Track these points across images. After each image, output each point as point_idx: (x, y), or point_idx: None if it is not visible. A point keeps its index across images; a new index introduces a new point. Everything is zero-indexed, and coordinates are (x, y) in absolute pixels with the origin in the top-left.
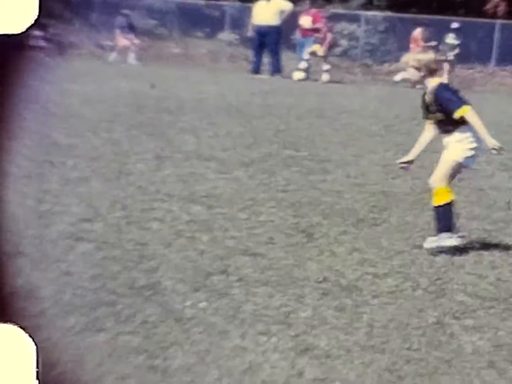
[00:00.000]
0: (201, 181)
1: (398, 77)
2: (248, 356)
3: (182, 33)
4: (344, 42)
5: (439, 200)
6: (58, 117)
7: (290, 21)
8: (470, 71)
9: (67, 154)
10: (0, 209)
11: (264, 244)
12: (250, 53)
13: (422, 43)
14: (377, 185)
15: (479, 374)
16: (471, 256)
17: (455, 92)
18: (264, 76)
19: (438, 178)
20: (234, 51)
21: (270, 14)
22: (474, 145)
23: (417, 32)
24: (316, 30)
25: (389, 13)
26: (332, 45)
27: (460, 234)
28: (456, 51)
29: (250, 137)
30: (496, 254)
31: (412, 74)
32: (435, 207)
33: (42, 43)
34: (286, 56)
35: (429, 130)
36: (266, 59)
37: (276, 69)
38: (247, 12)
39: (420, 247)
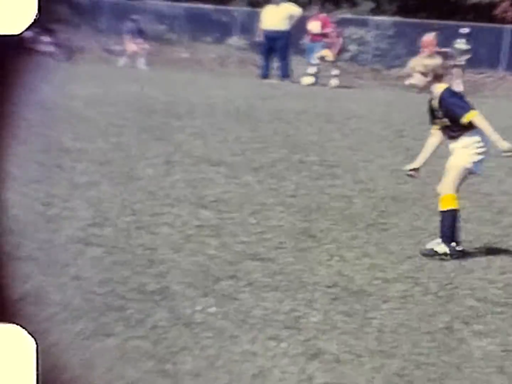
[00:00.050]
0: (210, 186)
1: (408, 81)
2: (257, 361)
3: (191, 38)
4: (353, 47)
5: (444, 205)
6: (67, 121)
7: (299, 26)
8: (480, 76)
9: (76, 158)
10: (9, 213)
11: (274, 249)
12: (259, 58)
13: (434, 48)
14: (386, 190)
15: (489, 379)
16: (481, 261)
17: (461, 98)
18: (273, 81)
19: (445, 184)
20: (243, 56)
21: (279, 19)
22: (481, 150)
23: (429, 36)
24: (325, 35)
25: (398, 18)
26: (341, 50)
27: (456, 246)
28: (467, 56)
29: (259, 142)
30: (506, 259)
31: (418, 79)
32: (440, 212)
33: (51, 48)
34: (295, 61)
35: (436, 136)
36: (275, 64)
37: (285, 74)
38: (256, 17)
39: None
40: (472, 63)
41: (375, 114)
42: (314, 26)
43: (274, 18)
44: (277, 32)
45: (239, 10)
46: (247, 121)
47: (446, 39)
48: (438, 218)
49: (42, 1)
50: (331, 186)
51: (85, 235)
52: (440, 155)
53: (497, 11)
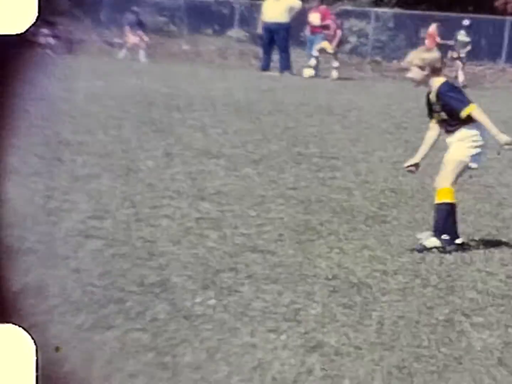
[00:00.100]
0: (210, 179)
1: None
2: (257, 353)
3: (191, 30)
4: (353, 39)
5: (440, 198)
6: (67, 114)
7: (300, 18)
8: (480, 68)
9: (76, 151)
10: (9, 206)
11: (274, 242)
12: (259, 50)
13: (438, 39)
14: (387, 182)
15: (489, 371)
16: (481, 253)
17: (459, 91)
18: (273, 73)
19: (442, 178)
20: (243, 48)
21: (279, 11)
22: (478, 143)
23: (433, 28)
24: (325, 27)
25: (398, 10)
26: (341, 42)
27: (446, 239)
28: (468, 48)
29: (259, 134)
30: (506, 251)
31: (416, 73)
32: (435, 204)
33: (50, 40)
34: (295, 53)
35: (434, 129)
36: (275, 56)
37: (285, 66)
38: (256, 9)
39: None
40: (472, 55)
41: (375, 106)
42: (314, 18)
43: (275, 10)
44: (277, 24)
45: (239, 2)
46: (247, 114)
47: (447, 31)
48: None
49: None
50: (331, 178)
51: (85, 227)
52: (440, 148)
53: (498, 3)
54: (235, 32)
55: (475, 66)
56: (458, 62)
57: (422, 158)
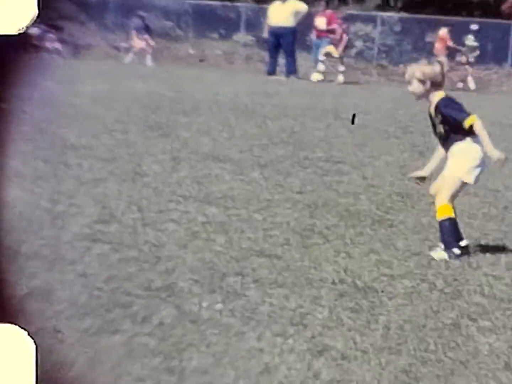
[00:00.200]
0: (217, 183)
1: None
2: (264, 358)
3: (197, 35)
4: (359, 43)
5: (440, 215)
6: (73, 118)
7: (305, 22)
8: (486, 72)
9: (82, 155)
10: (15, 210)
11: (280, 246)
12: (265, 54)
13: (450, 43)
14: (393, 186)
15: (496, 375)
16: (488, 257)
17: (459, 104)
18: (279, 77)
19: (441, 195)
20: (249, 52)
21: (285, 15)
22: (477, 158)
23: (443, 32)
24: (331, 31)
25: (404, 14)
26: (347, 46)
27: (455, 250)
28: (477, 53)
29: (265, 139)
30: None
31: (416, 87)
32: (438, 221)
33: (57, 45)
34: (301, 57)
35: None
36: (281, 61)
37: (291, 70)
38: (263, 13)
39: (436, 247)
40: (478, 59)
41: (382, 110)
42: (320, 22)
43: (280, 15)
44: (283, 28)
45: (245, 6)
46: (253, 118)
47: (453, 35)
48: None
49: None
50: (337, 183)
51: (92, 232)
52: None
53: (504, 7)
54: (241, 36)
55: (481, 71)
56: (468, 67)
57: (429, 175)
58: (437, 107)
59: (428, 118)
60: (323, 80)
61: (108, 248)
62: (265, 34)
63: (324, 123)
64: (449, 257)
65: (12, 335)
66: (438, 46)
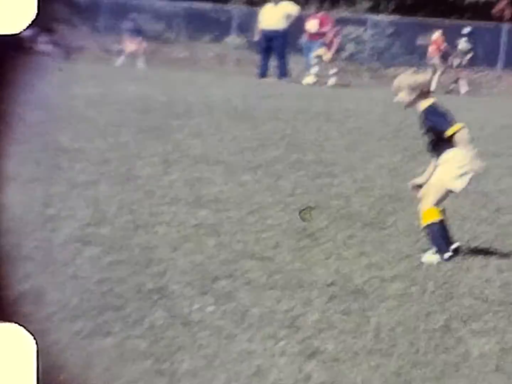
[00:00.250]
0: (208, 185)
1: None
2: (255, 360)
3: (189, 37)
4: (351, 46)
5: (425, 220)
6: (65, 121)
7: (297, 25)
8: (477, 74)
9: (74, 158)
10: (8, 212)
11: (272, 248)
12: (257, 57)
13: (443, 46)
14: (384, 189)
15: (487, 378)
16: (479, 260)
17: (444, 113)
18: (271, 80)
19: (425, 201)
20: (241, 55)
21: (277, 18)
22: (464, 166)
23: (437, 35)
24: (323, 34)
25: (395, 17)
26: (338, 49)
27: (447, 254)
28: (469, 55)
29: (257, 141)
30: (503, 258)
31: (404, 96)
32: (424, 227)
33: (49, 47)
34: (293, 60)
35: None
36: (273, 63)
37: (283, 73)
38: (254, 16)
39: (427, 251)
40: (469, 62)
41: (373, 113)
42: (312, 25)
43: (272, 17)
44: (275, 31)
45: (237, 9)
46: (245, 120)
47: (446, 38)
48: None
49: (41, 0)
50: (328, 185)
51: (83, 234)
52: None
53: (495, 10)
54: (233, 39)
55: (472, 73)
56: (460, 70)
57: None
58: (423, 115)
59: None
60: (315, 83)
61: (100, 250)
62: (257, 37)
63: (316, 126)
64: (441, 259)
65: (13, 333)
66: (431, 49)
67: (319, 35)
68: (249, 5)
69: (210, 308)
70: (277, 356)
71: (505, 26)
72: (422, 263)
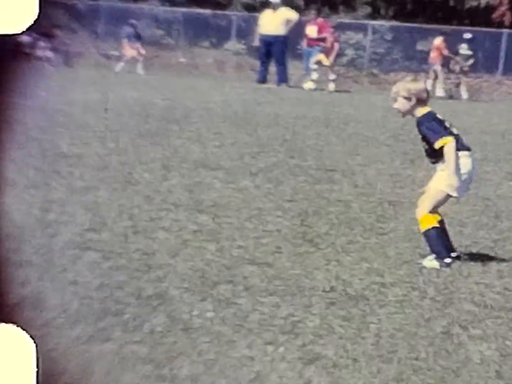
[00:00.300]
0: (208, 191)
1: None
2: (255, 366)
3: (189, 43)
4: (350, 52)
5: (423, 226)
6: (64, 126)
7: (296, 30)
8: (477, 80)
9: (73, 163)
10: (7, 218)
11: (271, 254)
12: (256, 63)
13: (445, 52)
14: (384, 194)
15: (487, 383)
16: (478, 265)
17: (439, 123)
18: (270, 86)
19: (421, 207)
20: (240, 61)
21: (276, 23)
22: (465, 173)
23: (439, 40)
24: (322, 40)
25: (395, 23)
26: (337, 55)
27: (447, 260)
28: (471, 61)
29: (256, 147)
30: (503, 263)
31: (402, 104)
32: (422, 233)
33: (48, 53)
34: (292, 66)
35: None
36: (272, 69)
37: (282, 78)
38: (254, 21)
39: (427, 256)
40: (471, 68)
41: (373, 118)
42: (311, 30)
43: (271, 23)
44: (274, 37)
45: (236, 15)
46: (244, 126)
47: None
48: None
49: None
50: (328, 191)
51: (83, 240)
52: None
53: (495, 16)
54: (232, 44)
55: (472, 79)
56: (461, 76)
57: None
58: (418, 124)
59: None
60: (315, 89)
61: (99, 256)
62: (256, 43)
63: (315, 131)
64: (441, 266)
65: (13, 335)
66: (433, 55)
67: (318, 40)
68: (249, 11)
69: (210, 314)
70: (277, 362)
71: (505, 32)
72: (422, 268)
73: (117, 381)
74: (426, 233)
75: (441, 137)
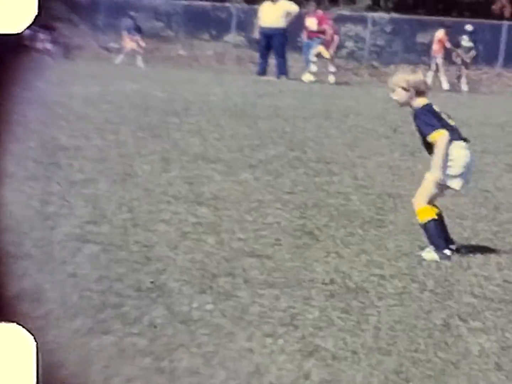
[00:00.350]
0: (207, 183)
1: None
2: (254, 358)
3: (189, 35)
4: (350, 44)
5: (422, 218)
6: (64, 119)
7: (296, 23)
8: (477, 72)
9: (73, 156)
10: (6, 210)
11: (271, 246)
12: (256, 55)
13: (448, 44)
14: (384, 186)
15: (486, 376)
16: (478, 257)
17: (434, 115)
18: (270, 78)
19: (417, 197)
20: (240, 53)
21: (276, 16)
22: (461, 165)
23: (441, 33)
24: (322, 32)
25: (395, 15)
26: (337, 47)
27: (447, 251)
28: (472, 53)
29: (256, 139)
30: (503, 255)
31: (400, 94)
32: (420, 225)
33: (48, 45)
34: (292, 58)
35: None
36: (272, 61)
37: (282, 71)
38: (254, 14)
39: (425, 248)
40: (473, 60)
41: (372, 111)
42: (311, 23)
43: (271, 15)
44: (274, 29)
45: (236, 7)
46: (244, 118)
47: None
48: None
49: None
50: (328, 183)
51: (82, 232)
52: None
53: (495, 8)
54: (232, 37)
55: (471, 71)
56: (463, 68)
57: None
58: (414, 116)
59: None
60: (314, 81)
61: (99, 248)
62: (256, 35)
63: (315, 123)
64: (440, 258)
65: (13, 333)
66: (435, 47)
67: (318, 33)
68: (248, 3)
69: (209, 306)
70: (276, 354)
71: (505, 24)
72: (421, 261)
73: (117, 374)
74: (425, 225)
75: (434, 130)
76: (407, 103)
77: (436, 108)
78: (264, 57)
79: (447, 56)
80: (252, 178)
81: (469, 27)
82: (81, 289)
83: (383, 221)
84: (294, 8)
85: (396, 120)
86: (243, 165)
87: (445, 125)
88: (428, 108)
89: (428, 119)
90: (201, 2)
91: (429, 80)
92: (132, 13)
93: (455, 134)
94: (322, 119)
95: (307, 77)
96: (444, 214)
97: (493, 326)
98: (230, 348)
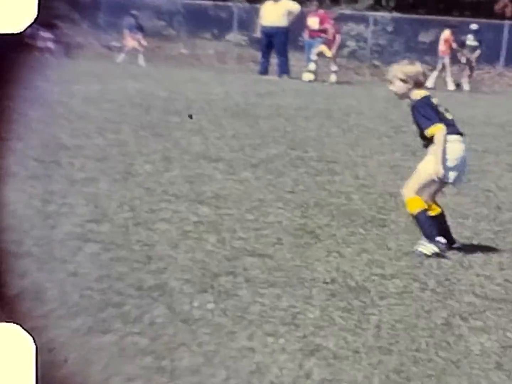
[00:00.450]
0: (209, 182)
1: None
2: (255, 357)
3: (190, 34)
4: (352, 43)
5: (412, 208)
6: (65, 118)
7: (298, 22)
8: (479, 71)
9: (74, 154)
10: (7, 209)
11: (272, 245)
12: (257, 54)
13: (454, 45)
14: (385, 186)
15: (487, 375)
16: (479, 257)
17: (432, 108)
18: (272, 77)
19: (407, 186)
20: (241, 52)
21: (277, 15)
22: (456, 158)
23: (447, 33)
24: (324, 31)
25: (396, 14)
26: (339, 46)
27: (439, 238)
28: (478, 52)
29: (257, 138)
30: (504, 255)
31: (398, 86)
32: (412, 215)
33: (49, 44)
34: (293, 57)
35: None
36: (273, 60)
37: (284, 70)
38: (255, 13)
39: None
40: (478, 59)
41: (374, 110)
42: (312, 22)
43: (273, 14)
44: (276, 28)
45: (238, 6)
46: (245, 117)
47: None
48: None
49: None
50: (329, 182)
51: (83, 231)
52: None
53: (497, 7)
54: (234, 36)
55: (475, 70)
56: (467, 68)
57: None
58: (412, 108)
59: None
60: (314, 80)
61: (100, 247)
62: (258, 34)
63: (317, 123)
64: (439, 248)
65: (12, 334)
66: (442, 47)
67: (320, 32)
68: (250, 2)
69: (210, 305)
70: (277, 353)
71: (507, 23)
72: (423, 260)
73: (117, 373)
74: (416, 216)
75: (432, 124)
76: (405, 95)
77: (434, 100)
78: (266, 56)
79: (453, 56)
80: (253, 177)
81: (474, 26)
82: (82, 288)
83: (384, 220)
84: (296, 7)
85: (398, 119)
86: (244, 164)
87: (442, 119)
88: (426, 101)
89: (426, 112)
90: (203, 1)
91: (432, 80)
92: (134, 11)
93: (451, 128)
94: (323, 118)
95: (306, 76)
96: (445, 214)
97: (494, 325)
98: (231, 347)
